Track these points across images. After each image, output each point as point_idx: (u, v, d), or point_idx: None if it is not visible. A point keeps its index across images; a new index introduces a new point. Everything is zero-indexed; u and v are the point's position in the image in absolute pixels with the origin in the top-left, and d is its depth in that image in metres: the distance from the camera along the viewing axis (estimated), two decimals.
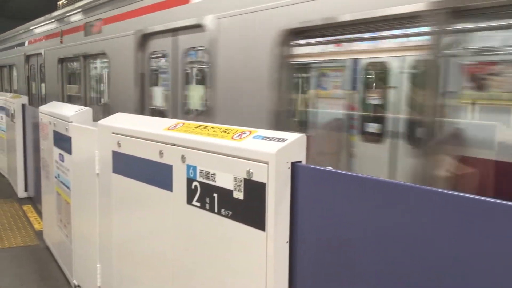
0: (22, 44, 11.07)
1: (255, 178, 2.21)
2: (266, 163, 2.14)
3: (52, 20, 8.77)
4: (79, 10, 7.31)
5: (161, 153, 2.93)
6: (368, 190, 1.87)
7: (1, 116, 9.41)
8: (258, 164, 2.18)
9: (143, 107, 5.34)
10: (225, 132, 2.56)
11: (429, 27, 2.39)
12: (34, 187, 7.45)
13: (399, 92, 3.67)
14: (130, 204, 3.39)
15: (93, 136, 3.84)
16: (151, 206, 3.11)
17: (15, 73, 11.77)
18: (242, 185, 2.28)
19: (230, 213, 2.38)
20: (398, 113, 3.73)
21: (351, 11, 2.72)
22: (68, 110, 4.65)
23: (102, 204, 3.79)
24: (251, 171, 2.22)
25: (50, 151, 5.15)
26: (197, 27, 4.24)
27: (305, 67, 3.69)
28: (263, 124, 3.36)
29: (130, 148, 3.31)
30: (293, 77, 3.70)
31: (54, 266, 5.16)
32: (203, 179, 2.56)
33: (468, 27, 2.50)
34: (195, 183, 2.64)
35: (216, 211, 2.48)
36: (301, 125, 3.77)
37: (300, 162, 2.18)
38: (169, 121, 3.14)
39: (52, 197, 5.16)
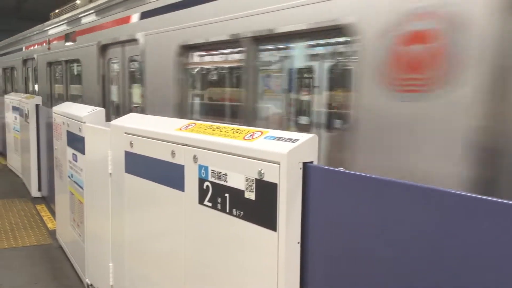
0: (21, 49, 12.80)
1: (266, 178, 2.21)
2: (278, 163, 2.15)
3: (42, 30, 10.48)
4: (61, 23, 8.99)
5: (173, 153, 2.95)
6: (380, 190, 1.86)
7: (15, 117, 9.52)
8: (270, 164, 2.19)
9: (104, 101, 6.86)
10: (237, 132, 2.57)
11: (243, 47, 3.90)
12: (48, 186, 7.52)
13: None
14: (142, 204, 3.42)
15: (106, 136, 3.87)
16: (163, 206, 3.13)
17: (15, 74, 13.59)
18: (254, 185, 2.29)
19: (242, 213, 2.39)
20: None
21: (216, 34, 4.18)
22: (81, 110, 4.69)
23: (115, 203, 3.82)
24: (262, 171, 2.23)
25: (63, 151, 5.20)
26: (134, 40, 5.72)
27: (196, 71, 5.12)
28: (171, 112, 4.84)
29: (143, 148, 3.33)
30: (188, 78, 4.98)
31: (67, 265, 5.21)
32: (215, 179, 2.58)
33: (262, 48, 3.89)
34: (206, 183, 2.65)
35: (227, 211, 2.49)
36: (194, 113, 5.06)
37: (311, 162, 2.18)
38: (181, 122, 3.16)
39: (65, 197, 5.21)
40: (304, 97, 3.93)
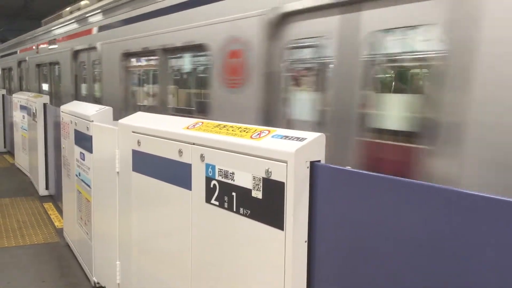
0: (16, 52, 15.04)
1: (274, 177, 2.21)
2: (285, 162, 2.15)
3: (33, 36, 12.56)
4: (47, 30, 11.14)
5: (180, 152, 2.95)
6: (388, 190, 1.86)
7: (23, 116, 9.57)
8: (277, 163, 2.19)
9: (76, 94, 8.80)
10: (244, 131, 2.57)
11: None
12: (55, 185, 7.56)
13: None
14: (149, 202, 3.43)
15: (114, 135, 3.89)
16: (170, 205, 3.14)
17: (12, 74, 15.69)
18: (261, 184, 2.29)
19: (249, 212, 2.39)
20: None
21: (143, 46, 5.88)
22: (89, 109, 4.71)
23: (122, 202, 3.84)
24: (270, 170, 2.23)
25: (71, 149, 5.22)
26: (95, 48, 7.56)
27: (135, 72, 6.95)
28: (119, 102, 6.46)
29: (150, 147, 3.34)
30: (128, 77, 6.67)
31: (74, 263, 5.23)
32: (222, 178, 2.58)
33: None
34: (213, 182, 2.65)
35: (234, 210, 2.50)
36: (133, 102, 6.77)
37: (319, 161, 2.18)
38: (188, 120, 3.17)
39: (73, 195, 5.24)
40: (190, 91, 6.45)
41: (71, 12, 9.80)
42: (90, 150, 4.46)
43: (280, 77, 3.73)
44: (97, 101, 7.50)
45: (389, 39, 2.99)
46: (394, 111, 3.23)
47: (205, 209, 2.75)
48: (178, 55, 5.87)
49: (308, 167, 2.15)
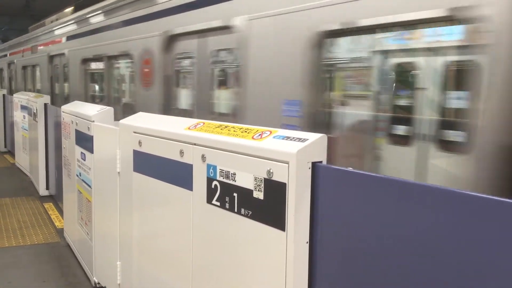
0: (6, 55, 17.44)
1: (275, 178, 2.21)
2: (287, 163, 2.14)
3: (19, 41, 15.03)
4: (31, 36, 13.32)
5: (181, 153, 2.95)
6: (390, 191, 1.86)
7: (24, 115, 9.58)
8: (279, 164, 2.19)
9: (53, 93, 10.53)
10: (246, 132, 2.57)
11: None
12: (55, 185, 7.56)
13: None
14: (150, 203, 3.43)
15: (115, 135, 3.88)
16: (171, 205, 3.14)
17: (3, 75, 17.94)
18: (262, 184, 2.29)
19: (250, 212, 2.39)
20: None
21: (95, 53, 7.72)
22: (90, 109, 4.71)
23: (123, 202, 3.84)
24: (271, 171, 2.23)
25: (72, 149, 5.22)
26: (63, 54, 9.52)
27: (92, 73, 8.74)
28: (81, 98, 8.14)
29: (151, 147, 3.34)
30: (88, 77, 8.58)
31: (75, 263, 5.23)
32: (223, 178, 2.58)
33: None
34: (215, 182, 2.65)
35: (236, 210, 2.49)
36: (89, 98, 8.50)
37: (320, 162, 2.17)
38: (190, 121, 3.16)
39: (73, 195, 5.23)
40: (125, 88, 7.61)
41: (51, 22, 12.08)
42: (91, 150, 4.46)
43: (172, 79, 5.40)
44: (66, 97, 9.50)
45: (221, 54, 4.87)
46: (224, 101, 4.93)
47: (206, 209, 2.74)
48: (117, 61, 7.47)
49: (309, 168, 2.15)
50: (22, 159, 10.22)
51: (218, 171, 2.62)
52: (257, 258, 2.38)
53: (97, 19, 7.67)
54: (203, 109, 4.85)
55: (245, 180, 2.41)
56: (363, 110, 3.73)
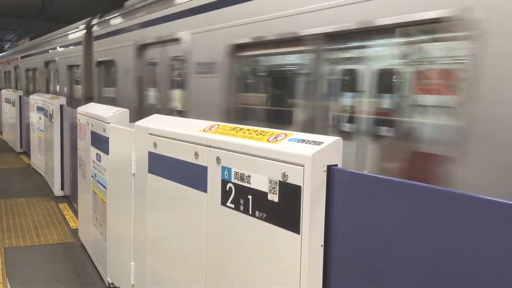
0: None
1: (290, 180, 2.21)
2: (302, 166, 2.14)
3: (6, 53, 21.61)
4: (11, 52, 20.28)
5: (196, 155, 2.96)
6: (406, 195, 1.85)
7: (40, 117, 9.68)
8: (294, 166, 2.19)
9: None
10: (261, 134, 2.57)
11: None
12: (70, 186, 7.63)
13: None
14: (165, 204, 3.44)
15: (130, 136, 3.91)
16: (186, 207, 3.15)
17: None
18: (277, 187, 2.29)
19: (265, 215, 2.39)
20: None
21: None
22: (106, 111, 4.75)
23: (138, 203, 3.86)
24: (286, 173, 2.23)
25: (87, 151, 5.27)
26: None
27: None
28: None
29: (166, 149, 3.36)
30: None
31: (89, 263, 5.27)
32: (238, 181, 2.58)
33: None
34: (229, 184, 2.66)
35: (250, 213, 2.50)
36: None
37: (336, 165, 2.17)
38: (205, 123, 3.18)
39: (88, 196, 5.28)
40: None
41: (31, 38, 16.76)
42: (106, 151, 4.49)
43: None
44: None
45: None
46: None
47: (220, 211, 2.75)
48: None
49: (325, 171, 2.15)
50: (37, 160, 10.33)
51: (232, 173, 2.63)
52: (271, 261, 2.38)
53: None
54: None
55: (259, 182, 2.41)
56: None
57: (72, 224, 6.67)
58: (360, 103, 3.67)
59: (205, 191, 2.89)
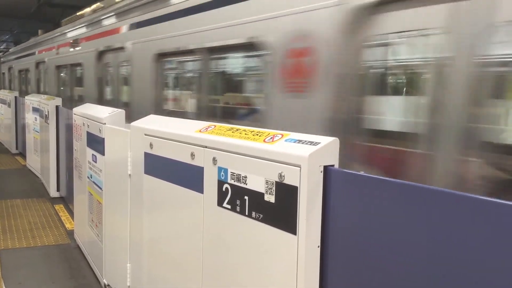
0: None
1: (287, 181, 2.21)
2: (299, 166, 2.14)
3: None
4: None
5: (192, 155, 2.96)
6: (402, 195, 1.84)
7: (35, 118, 9.65)
8: (290, 167, 2.18)
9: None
10: (257, 135, 2.56)
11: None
12: (66, 187, 7.60)
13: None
14: (161, 205, 3.43)
15: (126, 137, 3.90)
16: (182, 208, 3.14)
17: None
18: (274, 188, 2.29)
19: (261, 216, 2.38)
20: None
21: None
22: (102, 112, 4.73)
23: (134, 204, 3.85)
24: (283, 174, 2.22)
25: (83, 151, 5.25)
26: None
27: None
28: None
29: (162, 150, 3.35)
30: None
31: (85, 265, 5.25)
32: (234, 181, 2.58)
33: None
34: (226, 185, 2.65)
35: (246, 213, 2.49)
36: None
37: (332, 166, 2.17)
38: (201, 124, 3.17)
39: (84, 197, 5.26)
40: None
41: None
42: (102, 152, 4.48)
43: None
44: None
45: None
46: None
47: (217, 212, 2.74)
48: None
49: (321, 172, 2.14)
50: (33, 161, 10.30)
51: (229, 174, 2.62)
52: (268, 261, 2.37)
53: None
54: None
55: (256, 183, 2.41)
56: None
57: (68, 226, 6.65)
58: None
59: (202, 192, 2.88)
